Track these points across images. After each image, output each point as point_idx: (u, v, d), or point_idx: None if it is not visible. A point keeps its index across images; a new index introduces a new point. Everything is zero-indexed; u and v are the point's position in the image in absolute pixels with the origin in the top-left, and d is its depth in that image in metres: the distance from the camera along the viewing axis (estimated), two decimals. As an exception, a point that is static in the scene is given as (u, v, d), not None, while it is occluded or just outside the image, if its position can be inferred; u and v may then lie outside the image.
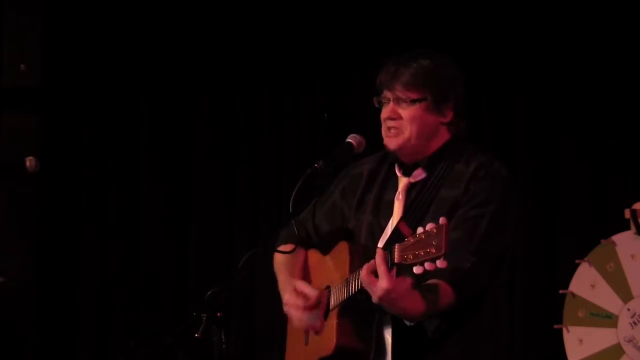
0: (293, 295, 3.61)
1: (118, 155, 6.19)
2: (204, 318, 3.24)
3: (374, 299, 3.23)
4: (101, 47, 6.17)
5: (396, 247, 3.15)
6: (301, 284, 3.63)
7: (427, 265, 3.05)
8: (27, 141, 6.03)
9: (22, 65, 6.06)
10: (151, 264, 6.11)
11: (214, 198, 6.06)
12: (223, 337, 3.25)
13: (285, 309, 3.65)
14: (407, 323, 3.34)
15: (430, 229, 3.06)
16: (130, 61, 6.17)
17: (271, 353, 5.58)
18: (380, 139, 3.62)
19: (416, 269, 3.09)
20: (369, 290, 3.23)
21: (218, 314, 3.25)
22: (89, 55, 6.18)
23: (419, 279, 3.22)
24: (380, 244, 3.50)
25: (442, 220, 3.06)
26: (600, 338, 4.87)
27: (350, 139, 3.59)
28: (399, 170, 3.59)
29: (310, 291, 3.58)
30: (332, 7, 5.87)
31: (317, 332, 3.56)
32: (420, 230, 3.10)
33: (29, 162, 4.95)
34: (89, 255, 6.17)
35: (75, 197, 6.21)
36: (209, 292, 3.26)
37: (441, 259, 3.03)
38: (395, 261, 3.15)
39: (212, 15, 6.06)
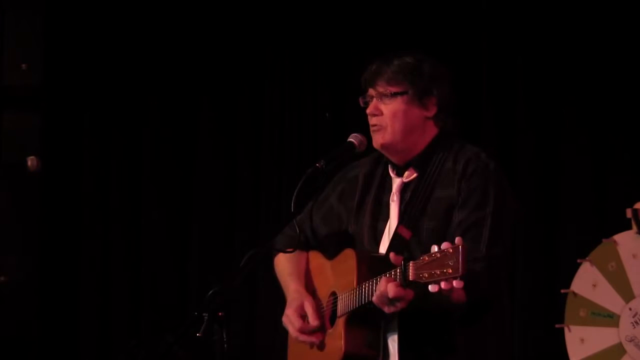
0: (295, 315, 3.63)
1: (119, 154, 6.20)
2: (205, 317, 3.24)
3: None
4: (102, 46, 6.17)
5: (411, 264, 3.16)
6: (308, 305, 3.63)
7: (443, 284, 3.06)
8: (28, 140, 6.03)
9: (23, 65, 6.06)
10: (152, 263, 6.12)
11: (215, 198, 6.06)
12: (224, 336, 3.25)
13: (284, 320, 3.67)
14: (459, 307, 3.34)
15: (446, 249, 3.07)
16: (132, 61, 6.17)
17: (272, 353, 5.58)
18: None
19: (432, 288, 3.09)
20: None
21: (219, 314, 3.25)
22: (90, 54, 6.18)
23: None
24: (382, 248, 3.51)
25: (458, 240, 3.06)
26: (601, 337, 4.86)
27: (351, 139, 3.60)
28: (392, 170, 3.59)
29: (313, 316, 3.59)
30: (333, 7, 5.86)
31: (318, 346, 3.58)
32: (435, 249, 3.10)
33: (30, 161, 4.95)
34: (91, 254, 6.17)
35: (76, 196, 6.21)
36: (210, 292, 3.26)
37: (458, 279, 3.05)
38: (410, 279, 3.16)
39: (213, 15, 6.06)
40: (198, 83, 6.13)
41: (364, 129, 3.63)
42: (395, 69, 3.51)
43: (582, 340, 4.91)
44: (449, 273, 3.05)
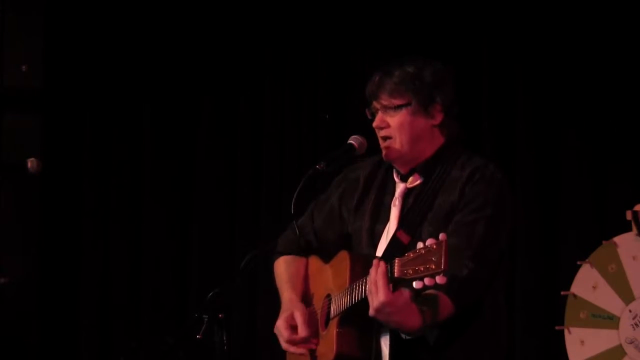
0: (285, 325, 3.62)
1: (120, 155, 6.20)
2: (206, 319, 3.25)
3: (370, 311, 3.24)
4: (103, 47, 6.18)
5: (396, 261, 3.16)
6: (298, 315, 3.61)
7: (426, 280, 3.07)
8: (28, 142, 6.03)
9: (23, 66, 6.06)
10: (153, 264, 6.12)
11: (215, 199, 6.07)
12: (224, 338, 3.25)
13: (275, 331, 3.67)
14: (404, 336, 3.34)
15: (430, 245, 3.07)
16: (132, 62, 6.17)
17: (273, 353, 5.58)
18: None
19: (416, 284, 3.10)
20: (369, 300, 3.24)
21: (219, 315, 3.26)
22: (90, 56, 6.18)
23: (417, 290, 3.22)
24: (379, 251, 3.51)
25: (442, 236, 3.07)
26: (601, 339, 4.86)
27: (351, 140, 3.61)
28: (397, 175, 3.59)
29: (302, 327, 3.58)
30: (333, 8, 5.87)
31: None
32: (420, 245, 3.11)
33: (31, 163, 4.95)
34: (91, 255, 6.17)
35: (77, 198, 6.21)
36: (210, 293, 3.26)
37: (440, 275, 3.04)
38: (395, 275, 3.16)
39: (214, 16, 6.07)
40: (198, 84, 6.13)
41: (364, 130, 3.63)
42: (397, 80, 3.49)
43: (582, 342, 4.91)
44: (432, 269, 3.05)
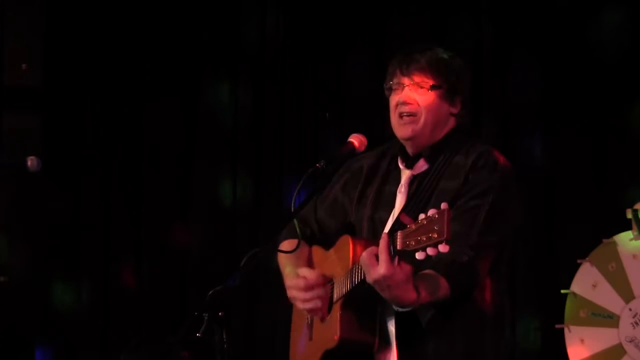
0: (294, 279, 3.62)
1: (120, 154, 6.20)
2: (206, 317, 3.24)
3: (368, 278, 3.24)
4: (103, 46, 6.18)
5: (398, 233, 3.16)
6: (303, 269, 3.63)
7: (429, 250, 3.06)
8: (28, 141, 6.03)
9: (24, 65, 6.06)
10: (153, 263, 6.12)
11: (215, 198, 6.07)
12: (224, 336, 3.25)
13: (289, 293, 3.65)
14: (396, 308, 3.35)
15: (432, 214, 3.07)
16: (132, 61, 6.17)
17: (272, 352, 5.59)
18: (381, 137, 3.63)
19: (418, 255, 3.09)
20: (365, 270, 3.24)
21: (219, 314, 3.25)
22: (90, 54, 6.19)
23: (417, 267, 3.22)
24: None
25: (443, 205, 3.06)
26: (601, 338, 4.87)
27: (351, 139, 3.60)
28: (402, 163, 3.60)
29: (311, 273, 3.58)
30: (333, 6, 5.87)
31: (322, 320, 3.57)
32: (422, 216, 3.10)
33: (31, 161, 4.95)
34: (91, 254, 6.17)
35: (77, 196, 6.21)
36: (210, 292, 3.26)
37: (443, 243, 3.04)
38: (398, 248, 3.15)
39: (214, 13, 6.07)
40: (198, 83, 6.13)
41: (364, 129, 3.63)
42: (433, 62, 3.51)
43: (582, 340, 4.92)
44: (435, 238, 3.04)
